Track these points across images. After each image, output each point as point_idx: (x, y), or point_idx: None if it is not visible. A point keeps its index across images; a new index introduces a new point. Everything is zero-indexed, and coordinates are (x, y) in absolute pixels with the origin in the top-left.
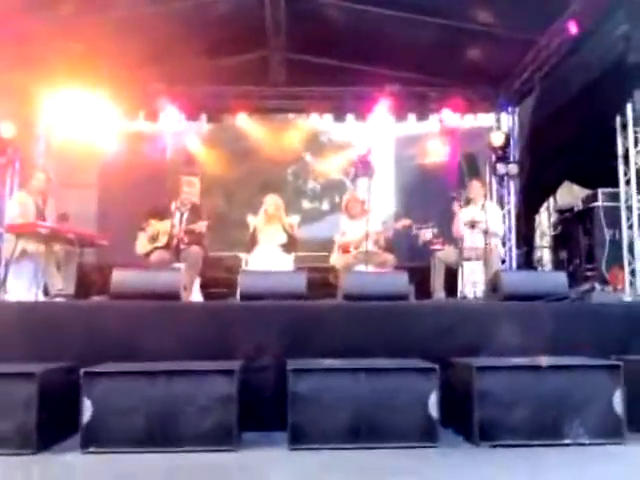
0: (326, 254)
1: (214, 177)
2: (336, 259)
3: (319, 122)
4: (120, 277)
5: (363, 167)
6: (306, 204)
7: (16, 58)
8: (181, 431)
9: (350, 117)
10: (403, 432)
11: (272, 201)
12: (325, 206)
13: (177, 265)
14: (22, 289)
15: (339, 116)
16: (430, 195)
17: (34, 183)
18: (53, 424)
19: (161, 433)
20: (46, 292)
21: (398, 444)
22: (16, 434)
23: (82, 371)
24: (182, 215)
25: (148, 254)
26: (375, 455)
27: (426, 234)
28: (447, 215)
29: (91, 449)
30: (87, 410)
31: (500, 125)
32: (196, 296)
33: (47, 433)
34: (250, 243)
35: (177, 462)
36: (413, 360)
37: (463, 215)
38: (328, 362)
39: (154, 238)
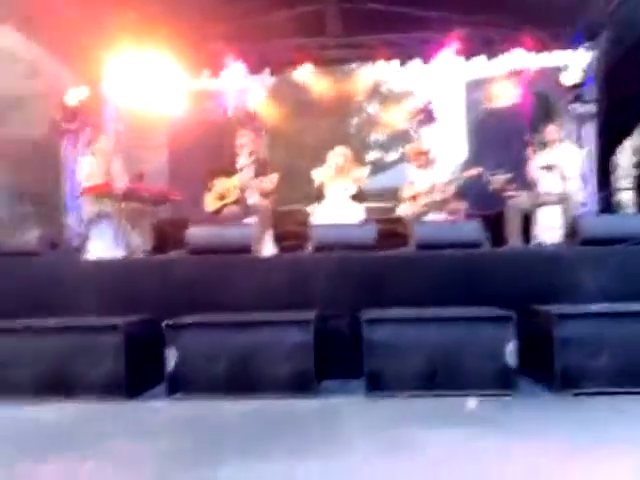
0: (393, 205)
1: (278, 131)
2: (405, 209)
3: (381, 72)
4: (195, 233)
5: (426, 116)
6: (371, 155)
7: (80, 25)
8: (261, 379)
9: (414, 63)
10: (479, 380)
11: (340, 152)
12: (390, 157)
13: (248, 220)
14: (102, 249)
15: (403, 62)
16: (502, 140)
17: (98, 146)
18: (139, 373)
19: (242, 381)
20: (126, 250)
21: (474, 392)
22: (106, 382)
23: (166, 322)
24: (249, 170)
25: (218, 211)
26: (450, 402)
27: (499, 180)
28: (521, 160)
29: (176, 396)
30: (172, 359)
31: (574, 63)
32: (270, 249)
33: (134, 381)
34: (317, 196)
35: (257, 408)
36: (489, 308)
37: (538, 159)
38: (402, 311)
39: (223, 195)
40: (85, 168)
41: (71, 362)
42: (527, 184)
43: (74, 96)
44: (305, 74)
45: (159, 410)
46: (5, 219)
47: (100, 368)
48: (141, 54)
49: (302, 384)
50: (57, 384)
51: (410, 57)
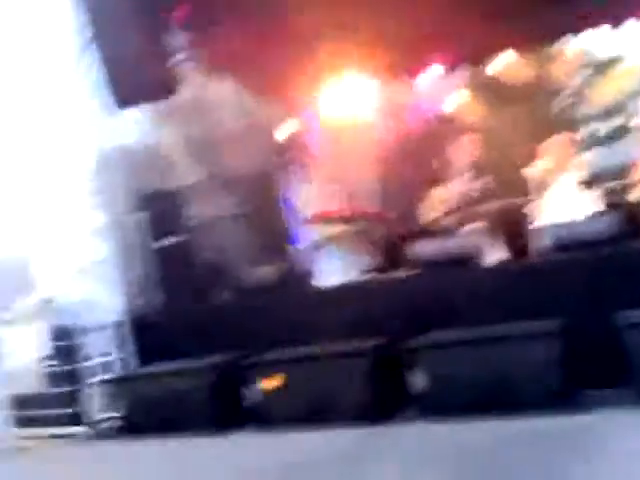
0: (621, 187)
1: (484, 127)
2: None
3: (588, 41)
4: (420, 248)
5: None
6: (586, 132)
7: (282, 62)
8: (512, 396)
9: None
10: None
11: (557, 140)
12: (607, 132)
13: (470, 227)
14: (331, 273)
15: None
16: None
17: (314, 174)
18: (387, 396)
19: (493, 399)
20: (354, 272)
21: None
22: (353, 407)
23: (409, 344)
24: (465, 175)
25: (437, 221)
26: None
27: None
28: None
29: (427, 418)
30: (418, 381)
31: None
32: (499, 256)
33: (383, 405)
34: (538, 192)
35: (513, 428)
36: None
37: None
38: None
39: (440, 204)
40: (304, 196)
41: (318, 390)
42: None
43: (285, 130)
44: (505, 62)
45: (414, 434)
46: (234, 250)
47: (348, 394)
48: (343, 77)
49: (559, 399)
50: (312, 412)
51: (623, 19)
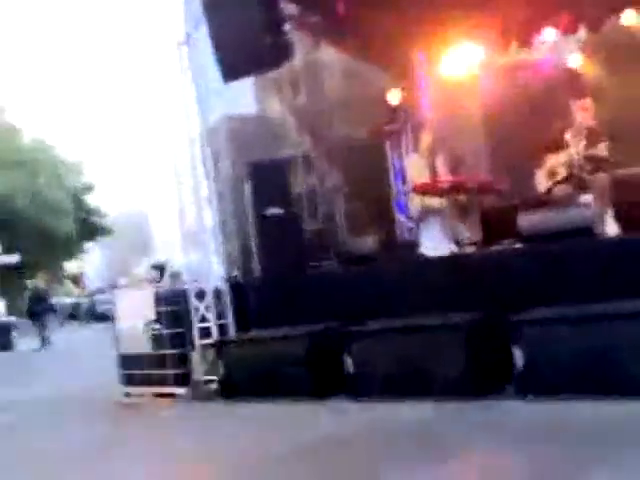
0: None
1: (602, 91)
2: None
3: None
4: (526, 220)
5: None
6: None
7: (390, 28)
8: (621, 378)
9: None
10: None
11: None
12: None
13: (584, 198)
14: (433, 245)
15: None
16: None
17: (421, 144)
18: (484, 372)
19: (597, 379)
20: (457, 243)
21: None
22: (451, 382)
23: (510, 319)
24: (579, 142)
25: (549, 190)
26: None
27: None
28: None
29: (527, 397)
30: (519, 358)
31: None
32: (611, 228)
33: (479, 381)
34: None
35: (615, 411)
36: None
37: None
38: None
39: (553, 173)
40: (411, 166)
41: (417, 362)
42: None
43: (395, 96)
44: (626, 21)
45: (512, 411)
46: (338, 219)
47: (445, 368)
48: (449, 43)
49: None
50: (407, 384)
51: None
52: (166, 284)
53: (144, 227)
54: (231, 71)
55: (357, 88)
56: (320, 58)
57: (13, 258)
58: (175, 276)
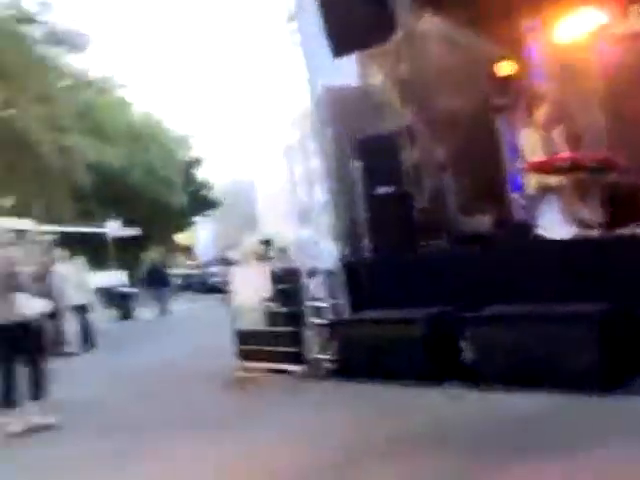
0: None
1: None
2: None
3: None
4: None
5: None
6: None
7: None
8: None
9: None
10: None
11: None
12: None
13: None
14: (551, 226)
15: None
16: None
17: (536, 118)
18: (616, 366)
19: None
20: (578, 225)
21: None
22: (579, 375)
23: None
24: None
25: None
26: None
27: None
28: None
29: None
30: None
31: None
32: None
33: (611, 375)
34: None
35: None
36: None
37: None
38: None
39: None
40: (525, 142)
41: (540, 352)
42: None
43: (505, 68)
44: None
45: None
46: (448, 198)
47: (572, 359)
48: (563, 9)
49: None
50: (528, 373)
51: None
52: (275, 259)
53: (250, 201)
54: (341, 46)
55: (462, 60)
56: (423, 28)
57: (133, 231)
58: (283, 251)
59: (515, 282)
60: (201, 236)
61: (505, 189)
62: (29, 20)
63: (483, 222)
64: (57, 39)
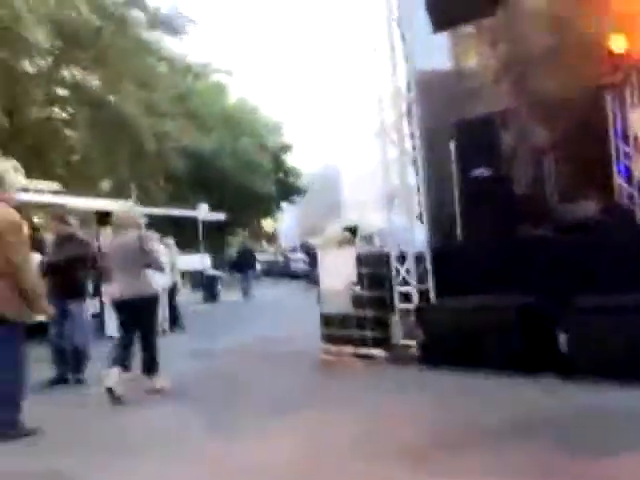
0: None
1: None
2: None
3: None
4: None
5: None
6: None
7: None
8: None
9: None
10: None
11: None
12: None
13: None
14: None
15: None
16: None
17: None
18: None
19: None
20: None
21: None
22: None
23: None
24: None
25: None
26: None
27: None
28: None
29: None
30: None
31: None
32: None
33: None
34: None
35: None
36: None
37: None
38: None
39: None
40: (636, 123)
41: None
42: None
43: (617, 43)
44: None
45: None
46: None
47: None
48: None
49: None
50: (628, 366)
51: None
52: (364, 246)
53: (335, 188)
54: (443, 20)
55: (567, 36)
56: (523, 3)
57: (220, 216)
58: (367, 239)
59: (616, 271)
60: (284, 222)
61: (610, 175)
62: (137, 4)
63: (586, 209)
64: (159, 22)
